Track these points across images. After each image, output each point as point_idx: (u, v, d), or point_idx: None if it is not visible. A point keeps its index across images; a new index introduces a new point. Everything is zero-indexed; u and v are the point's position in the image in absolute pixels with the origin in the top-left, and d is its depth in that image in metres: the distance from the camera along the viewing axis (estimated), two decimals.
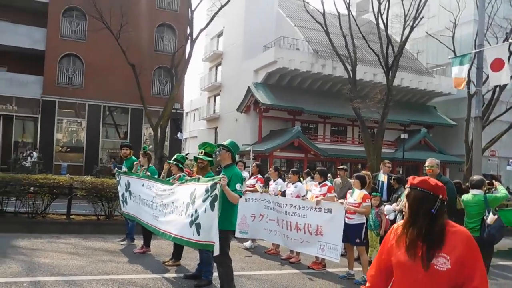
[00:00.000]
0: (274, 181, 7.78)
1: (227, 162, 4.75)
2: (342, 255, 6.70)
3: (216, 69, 37.00)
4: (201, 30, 18.74)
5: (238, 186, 4.50)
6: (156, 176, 6.59)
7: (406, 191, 2.09)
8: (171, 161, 6.28)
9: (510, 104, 22.91)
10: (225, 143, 4.84)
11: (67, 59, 22.95)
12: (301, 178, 8.37)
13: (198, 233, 4.39)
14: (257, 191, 7.48)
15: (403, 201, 6.65)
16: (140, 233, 6.94)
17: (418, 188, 2.00)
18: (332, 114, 28.13)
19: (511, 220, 9.21)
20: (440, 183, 2.04)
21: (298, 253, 7.03)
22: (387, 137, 27.07)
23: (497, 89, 21.32)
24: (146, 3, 23.61)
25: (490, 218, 5.58)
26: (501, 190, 5.97)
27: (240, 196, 4.57)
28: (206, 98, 38.53)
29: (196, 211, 4.43)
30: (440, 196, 1.99)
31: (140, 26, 22.31)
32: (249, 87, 27.65)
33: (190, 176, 5.56)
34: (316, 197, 6.33)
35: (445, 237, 1.92)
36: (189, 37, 18.54)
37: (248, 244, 7.88)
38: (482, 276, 1.89)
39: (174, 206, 5.08)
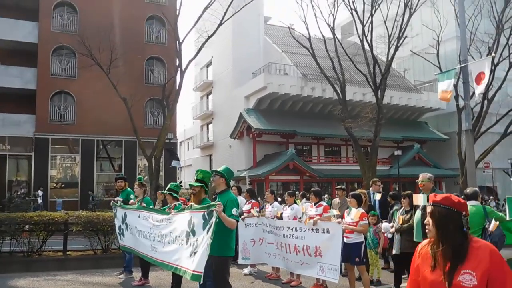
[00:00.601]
0: (270, 204, 7.78)
1: (222, 188, 4.77)
2: (343, 275, 6.65)
3: (207, 97, 37.39)
4: (190, 61, 19.10)
5: (234, 211, 4.49)
6: (151, 207, 6.58)
7: (429, 208, 2.05)
8: (165, 191, 6.28)
9: (500, 115, 23.34)
10: (219, 169, 4.89)
11: (58, 96, 23.15)
12: (297, 200, 8.39)
13: (193, 261, 4.32)
14: (254, 216, 7.46)
15: (398, 218, 6.69)
16: (138, 265, 6.85)
17: (441, 206, 2.00)
18: (325, 135, 28.35)
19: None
20: (462, 200, 2.04)
21: (298, 276, 6.95)
22: (381, 154, 27.25)
23: (485, 101, 21.75)
24: (135, 38, 24.08)
25: (492, 224, 5.63)
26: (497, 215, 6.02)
27: (237, 221, 4.56)
28: (199, 127, 38.74)
29: (197, 240, 4.38)
30: (463, 213, 1.99)
31: (129, 60, 22.67)
32: (241, 113, 27.91)
33: (186, 205, 5.55)
34: (312, 218, 6.32)
35: (469, 253, 1.91)
36: (179, 68, 18.87)
37: (247, 270, 7.79)
38: None
39: (173, 236, 5.00)
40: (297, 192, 12.66)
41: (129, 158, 23.73)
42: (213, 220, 4.18)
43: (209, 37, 18.99)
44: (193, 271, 4.15)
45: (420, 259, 2.06)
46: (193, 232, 4.49)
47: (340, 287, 6.54)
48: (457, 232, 1.94)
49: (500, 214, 5.99)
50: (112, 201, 7.43)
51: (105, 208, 13.93)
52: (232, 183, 5.10)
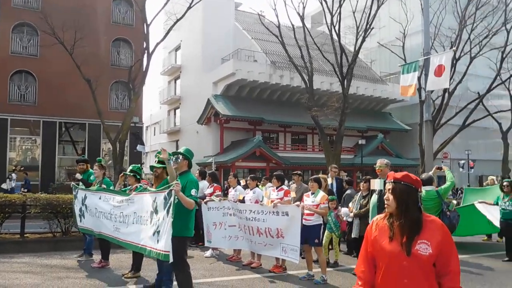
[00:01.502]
0: (233, 188, 7.87)
1: (183, 169, 4.80)
2: (302, 257, 6.86)
3: (175, 82, 36.84)
4: (158, 44, 18.73)
5: (193, 191, 4.54)
6: (111, 188, 6.53)
7: (390, 185, 2.19)
8: (128, 172, 6.23)
9: (459, 108, 24.44)
10: (180, 150, 4.91)
11: (18, 75, 22.09)
12: (260, 186, 8.56)
13: (157, 241, 4.40)
14: (214, 200, 7.56)
15: (357, 205, 6.97)
16: (99, 247, 6.79)
17: (402, 182, 2.16)
18: (292, 123, 28.67)
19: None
20: (418, 178, 2.23)
21: (259, 258, 7.11)
22: (346, 143, 27.93)
23: (446, 94, 22.66)
24: (100, 18, 23.19)
25: (452, 205, 6.02)
26: (448, 177, 6.41)
27: (196, 202, 4.62)
28: (166, 111, 38.18)
29: (159, 219, 4.45)
30: (419, 189, 2.20)
31: (94, 41, 21.87)
32: (209, 99, 27.73)
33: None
34: (272, 201, 6.49)
35: (423, 226, 2.10)
36: (146, 51, 18.46)
37: (209, 253, 7.90)
38: (456, 260, 2.12)
39: (137, 216, 5.03)
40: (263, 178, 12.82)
41: (92, 142, 23.08)
42: (172, 199, 4.25)
43: (178, 20, 18.64)
44: (163, 251, 4.23)
45: (377, 232, 2.18)
46: (155, 212, 4.55)
47: (298, 268, 6.72)
48: (415, 207, 2.13)
49: (449, 182, 6.30)
50: (72, 183, 7.30)
51: (66, 192, 13.55)
52: (197, 167, 5.15)
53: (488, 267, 7.60)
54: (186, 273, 4.61)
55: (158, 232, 4.39)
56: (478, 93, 24.99)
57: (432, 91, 13.86)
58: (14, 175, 18.79)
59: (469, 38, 22.47)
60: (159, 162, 5.05)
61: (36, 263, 6.91)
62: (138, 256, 5.99)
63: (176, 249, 4.28)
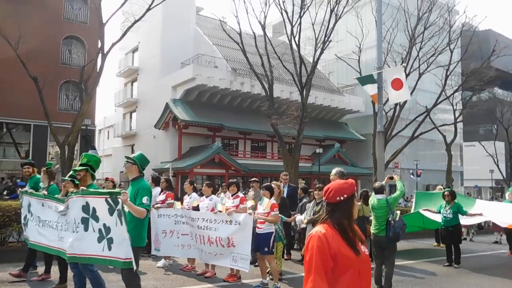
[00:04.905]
0: (188, 195, 7.63)
1: (134, 175, 4.59)
2: (255, 265, 6.76)
3: (132, 84, 35.79)
4: (113, 44, 18.03)
5: (144, 199, 4.33)
6: (56, 196, 6.05)
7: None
8: (67, 178, 5.79)
9: (409, 120, 25.61)
10: (132, 155, 4.67)
11: None
12: (222, 192, 8.39)
13: (109, 248, 4.18)
14: (168, 208, 7.30)
15: (311, 212, 6.95)
16: (43, 259, 6.26)
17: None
18: (252, 130, 28.65)
19: (411, 224, 10.19)
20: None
21: (213, 268, 6.95)
22: (304, 152, 28.30)
23: (398, 107, 23.61)
24: (50, 13, 21.98)
25: (396, 214, 6.23)
26: (398, 186, 6.61)
27: (147, 210, 4.37)
28: (122, 115, 36.92)
29: (104, 225, 4.23)
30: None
31: (43, 37, 20.58)
32: (167, 104, 27.12)
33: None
34: (228, 209, 6.35)
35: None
36: (100, 51, 17.71)
37: (161, 263, 7.57)
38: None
39: (77, 223, 4.66)
40: (223, 184, 12.68)
41: (38, 144, 21.69)
42: (120, 207, 4.08)
43: (136, 21, 18.06)
44: (122, 258, 4.08)
45: (335, 244, 2.14)
46: (94, 217, 4.31)
47: (253, 277, 6.64)
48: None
49: (399, 191, 6.56)
50: (19, 190, 6.75)
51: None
52: (150, 172, 4.90)
53: (431, 272, 8.07)
54: (137, 285, 4.40)
55: (109, 239, 4.18)
56: (426, 106, 26.27)
57: (385, 104, 14.43)
58: None
59: (418, 55, 23.64)
60: (81, 164, 4.80)
61: None
62: (62, 267, 5.65)
63: None
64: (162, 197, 7.60)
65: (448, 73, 25.72)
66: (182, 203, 7.46)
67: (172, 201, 7.48)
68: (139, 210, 4.26)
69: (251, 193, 7.69)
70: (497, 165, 37.07)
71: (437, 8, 24.02)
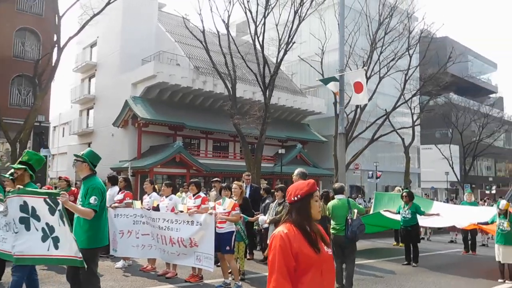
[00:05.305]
0: (148, 194, 7.40)
1: (85, 173, 4.36)
2: (217, 266, 6.66)
3: (90, 80, 34.45)
4: (70, 38, 17.30)
5: (92, 199, 4.13)
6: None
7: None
8: (6, 175, 5.40)
9: (369, 123, 26.33)
10: (81, 153, 4.44)
11: None
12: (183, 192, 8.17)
13: (56, 247, 4.03)
14: (128, 207, 7.04)
15: (273, 212, 6.93)
16: None
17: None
18: (214, 130, 28.39)
19: (371, 224, 10.44)
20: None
21: (174, 268, 6.82)
22: (266, 152, 28.40)
23: (358, 109, 24.20)
24: (2, 3, 20.76)
25: (353, 213, 6.34)
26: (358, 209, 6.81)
27: (95, 211, 4.14)
28: (78, 111, 35.44)
29: (47, 224, 4.08)
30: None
31: None
32: (126, 101, 26.31)
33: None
34: (189, 209, 6.21)
35: None
36: (56, 45, 16.92)
37: (120, 264, 7.29)
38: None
39: (16, 223, 4.44)
40: (184, 184, 12.48)
41: None
42: (60, 207, 3.97)
43: (95, 15, 17.46)
44: (71, 256, 3.99)
45: (296, 243, 2.16)
46: (34, 217, 4.15)
47: (215, 277, 6.56)
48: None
49: (361, 206, 6.72)
50: None
51: None
52: (108, 171, 4.65)
53: (390, 270, 8.29)
54: (96, 287, 4.26)
55: (55, 238, 4.05)
56: (386, 110, 27.13)
57: (346, 106, 14.75)
58: None
59: (378, 59, 24.36)
60: (20, 162, 4.56)
61: None
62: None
63: (85, 261, 3.94)
64: (120, 196, 7.32)
65: (407, 77, 26.70)
66: (142, 203, 7.22)
67: (130, 200, 7.22)
68: (83, 210, 4.10)
69: (213, 193, 7.57)
70: (452, 168, 39.00)
71: (398, 14, 24.85)
